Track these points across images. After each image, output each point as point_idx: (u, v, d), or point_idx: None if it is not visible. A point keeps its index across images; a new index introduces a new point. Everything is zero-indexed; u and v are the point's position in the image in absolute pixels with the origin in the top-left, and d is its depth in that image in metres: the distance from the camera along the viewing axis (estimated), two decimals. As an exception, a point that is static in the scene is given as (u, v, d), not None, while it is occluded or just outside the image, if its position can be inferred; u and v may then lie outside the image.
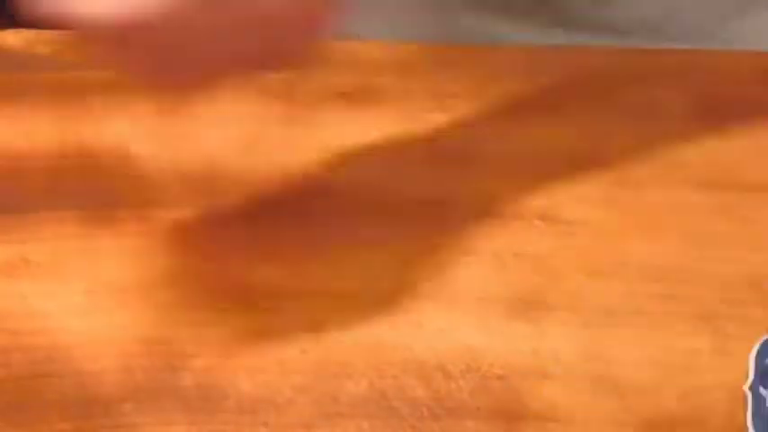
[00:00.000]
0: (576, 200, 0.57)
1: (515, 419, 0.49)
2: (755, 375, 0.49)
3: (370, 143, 0.59)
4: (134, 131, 0.60)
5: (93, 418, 0.49)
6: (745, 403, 0.49)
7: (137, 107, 0.61)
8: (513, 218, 0.56)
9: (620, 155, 0.59)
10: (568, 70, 0.64)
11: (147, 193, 0.57)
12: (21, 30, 0.65)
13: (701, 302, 0.54)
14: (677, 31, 0.67)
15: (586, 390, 0.50)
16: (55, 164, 0.59)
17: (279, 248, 0.55)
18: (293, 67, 0.46)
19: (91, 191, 0.58)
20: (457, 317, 0.53)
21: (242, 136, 0.60)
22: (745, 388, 0.49)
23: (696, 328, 0.53)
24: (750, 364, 0.50)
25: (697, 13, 0.69)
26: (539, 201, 0.57)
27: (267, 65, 0.45)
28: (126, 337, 0.52)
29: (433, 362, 0.51)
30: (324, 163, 0.59)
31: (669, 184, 0.58)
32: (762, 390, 0.49)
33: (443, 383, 0.51)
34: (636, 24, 0.68)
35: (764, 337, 0.51)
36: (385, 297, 0.53)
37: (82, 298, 0.53)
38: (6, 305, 0.53)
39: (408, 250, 0.55)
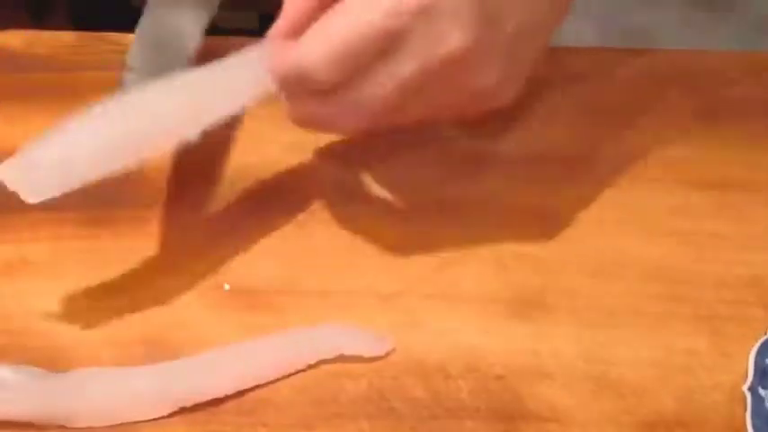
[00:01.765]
0: (576, 200, 0.57)
1: (515, 420, 0.49)
2: (755, 376, 0.49)
3: (369, 143, 0.59)
4: (134, 131, 0.60)
5: (93, 418, 0.49)
6: (745, 404, 0.49)
7: (136, 107, 0.61)
8: (513, 218, 0.56)
9: (619, 155, 0.59)
10: (568, 70, 0.64)
11: (147, 193, 0.57)
12: (21, 30, 0.65)
13: (700, 302, 0.54)
14: None
15: (586, 390, 0.50)
16: (55, 164, 0.59)
17: (279, 248, 0.55)
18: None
19: (91, 191, 0.57)
20: (457, 317, 0.53)
21: (241, 135, 0.60)
22: (745, 388, 0.49)
23: (695, 329, 0.53)
24: (749, 365, 0.50)
25: None
26: (539, 201, 0.57)
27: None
28: (126, 337, 0.52)
29: (433, 362, 0.51)
30: (323, 163, 0.59)
31: (669, 184, 0.58)
32: (761, 390, 0.49)
33: (443, 383, 0.51)
34: None
35: (764, 338, 0.51)
36: (385, 296, 0.53)
37: (82, 298, 0.53)
38: (6, 305, 0.53)
39: (408, 250, 0.55)
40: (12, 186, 0.49)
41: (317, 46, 0.48)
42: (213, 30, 0.70)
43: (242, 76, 0.53)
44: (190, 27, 0.60)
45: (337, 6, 0.49)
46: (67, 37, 0.65)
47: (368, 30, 0.48)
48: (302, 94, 0.51)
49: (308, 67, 0.49)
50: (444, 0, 0.48)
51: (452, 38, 0.48)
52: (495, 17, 0.49)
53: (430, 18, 0.48)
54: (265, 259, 0.55)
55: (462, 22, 0.48)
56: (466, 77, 0.50)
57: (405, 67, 0.49)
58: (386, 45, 0.48)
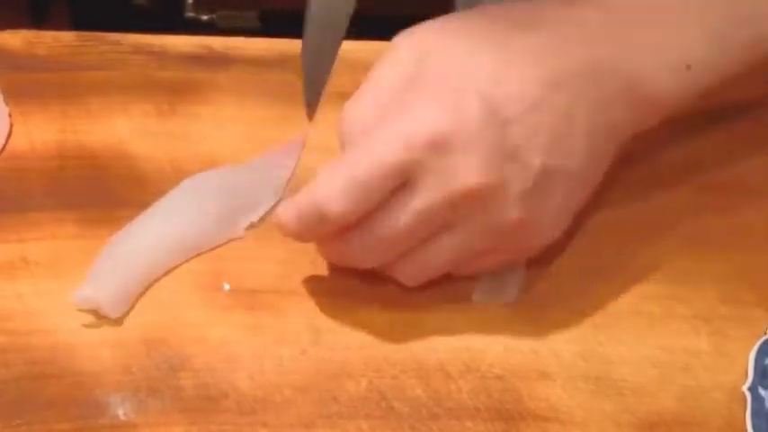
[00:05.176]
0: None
1: (515, 420, 0.49)
2: (755, 376, 0.49)
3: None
4: (134, 131, 0.60)
5: (92, 418, 0.49)
6: (745, 404, 0.49)
7: (136, 107, 0.61)
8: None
9: (620, 156, 0.59)
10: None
11: (146, 194, 0.57)
12: (21, 30, 0.65)
13: (700, 302, 0.54)
14: None
15: (586, 390, 0.50)
16: (55, 164, 0.59)
17: (279, 248, 0.55)
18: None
19: (91, 191, 0.58)
20: (457, 317, 0.53)
21: (242, 136, 0.60)
22: (745, 388, 0.49)
23: (696, 329, 0.53)
24: (749, 365, 0.50)
25: None
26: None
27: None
28: (126, 337, 0.52)
29: (433, 362, 0.51)
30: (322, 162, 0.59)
31: (669, 185, 0.58)
32: (761, 390, 0.49)
33: (443, 383, 0.51)
34: None
35: (764, 338, 0.51)
36: (385, 297, 0.53)
37: (81, 298, 0.53)
38: (6, 305, 0.53)
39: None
40: (94, 307, 0.52)
41: (331, 180, 0.49)
42: (213, 30, 0.70)
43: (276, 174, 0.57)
44: None
45: (353, 141, 0.50)
46: (67, 37, 0.65)
47: (380, 163, 0.48)
48: (322, 231, 0.50)
49: (322, 200, 0.48)
50: (457, 135, 0.48)
51: (467, 173, 0.48)
52: (515, 154, 0.49)
53: (442, 152, 0.48)
54: (265, 259, 0.55)
55: (477, 158, 0.48)
56: (486, 214, 0.49)
57: (418, 200, 0.49)
58: (401, 179, 0.48)
